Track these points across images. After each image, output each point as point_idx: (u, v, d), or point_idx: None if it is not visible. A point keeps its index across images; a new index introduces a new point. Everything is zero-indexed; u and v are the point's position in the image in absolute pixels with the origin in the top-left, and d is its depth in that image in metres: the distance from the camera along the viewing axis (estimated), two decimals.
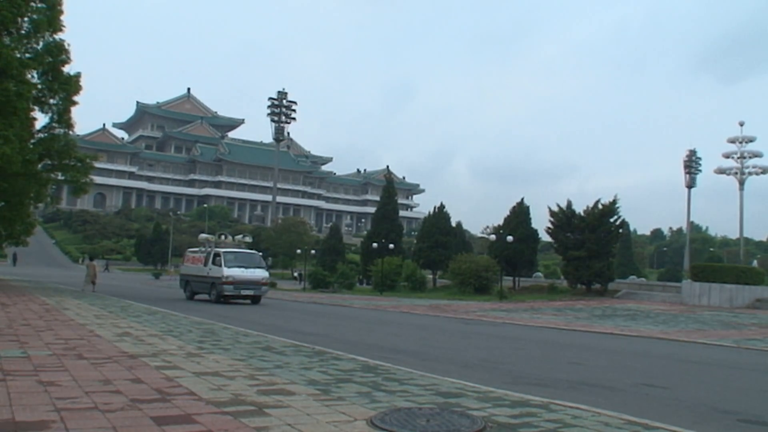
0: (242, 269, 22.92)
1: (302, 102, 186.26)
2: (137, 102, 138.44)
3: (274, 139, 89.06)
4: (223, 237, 26.79)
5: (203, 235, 27.82)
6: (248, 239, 28.40)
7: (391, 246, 43.61)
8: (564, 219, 36.73)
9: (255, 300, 23.60)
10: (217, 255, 23.41)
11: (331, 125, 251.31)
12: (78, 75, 23.94)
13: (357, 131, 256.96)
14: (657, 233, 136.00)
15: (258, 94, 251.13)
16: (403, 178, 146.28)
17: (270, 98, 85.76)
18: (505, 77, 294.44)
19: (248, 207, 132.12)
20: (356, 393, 5.63)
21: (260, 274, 23.58)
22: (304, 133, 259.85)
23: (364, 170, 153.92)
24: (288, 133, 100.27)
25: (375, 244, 44.06)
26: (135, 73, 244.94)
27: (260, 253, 28.02)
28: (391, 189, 51.43)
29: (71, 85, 23.68)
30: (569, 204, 37.43)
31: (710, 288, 31.10)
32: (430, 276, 45.60)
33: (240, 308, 20.60)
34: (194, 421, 4.34)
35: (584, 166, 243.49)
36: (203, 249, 25.56)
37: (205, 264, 23.98)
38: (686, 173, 73.71)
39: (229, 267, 22.70)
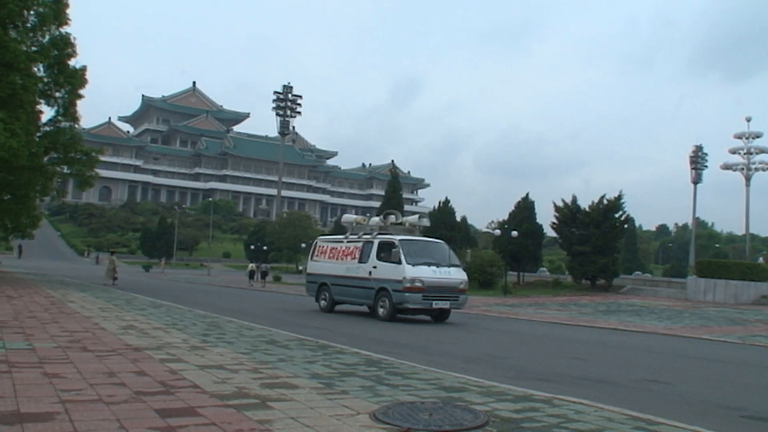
0: (433, 268, 15.19)
1: (307, 96, 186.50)
2: (143, 95, 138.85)
3: (279, 133, 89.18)
4: (392, 218, 17.46)
5: (351, 216, 19.02)
6: (426, 222, 17.97)
7: None
8: (569, 214, 36.69)
9: (443, 316, 16.00)
10: (390, 245, 15.55)
11: (337, 119, 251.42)
12: (84, 68, 24.02)
13: (362, 125, 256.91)
14: (662, 229, 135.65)
15: (263, 88, 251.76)
16: (408, 172, 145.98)
17: (275, 92, 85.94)
18: (511, 72, 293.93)
19: (253, 201, 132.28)
20: (359, 387, 5.65)
21: (457, 276, 15.68)
22: (309, 127, 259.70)
23: (369, 164, 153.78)
24: (293, 127, 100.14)
25: None
26: (141, 66, 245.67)
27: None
28: (396, 183, 51.39)
29: (77, 79, 23.75)
30: (574, 199, 37.39)
31: (715, 284, 31.01)
32: None
33: (239, 305, 20.53)
34: (198, 413, 4.36)
35: (590, 162, 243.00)
36: (352, 237, 17.38)
37: (361, 259, 16.26)
38: (692, 169, 73.43)
39: (412, 265, 14.97)
